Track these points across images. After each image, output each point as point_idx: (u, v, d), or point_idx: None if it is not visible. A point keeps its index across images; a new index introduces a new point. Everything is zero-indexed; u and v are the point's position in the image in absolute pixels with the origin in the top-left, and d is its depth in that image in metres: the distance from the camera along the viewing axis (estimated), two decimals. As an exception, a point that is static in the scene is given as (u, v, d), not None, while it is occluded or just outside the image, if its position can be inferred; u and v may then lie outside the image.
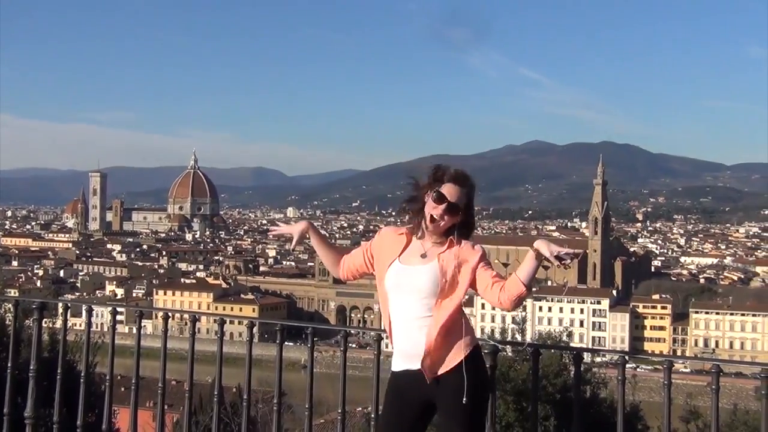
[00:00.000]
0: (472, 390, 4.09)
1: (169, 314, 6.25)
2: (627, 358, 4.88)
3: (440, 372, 4.12)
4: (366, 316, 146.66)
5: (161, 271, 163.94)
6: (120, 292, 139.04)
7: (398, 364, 4.24)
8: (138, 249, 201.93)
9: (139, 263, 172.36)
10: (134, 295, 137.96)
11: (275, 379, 5.51)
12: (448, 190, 4.17)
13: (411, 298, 4.14)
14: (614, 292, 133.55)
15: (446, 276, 4.11)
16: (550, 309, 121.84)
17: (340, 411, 5.61)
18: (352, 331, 5.88)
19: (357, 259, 4.48)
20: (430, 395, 4.17)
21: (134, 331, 6.39)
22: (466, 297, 4.27)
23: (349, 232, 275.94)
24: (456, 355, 4.12)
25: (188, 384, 6.13)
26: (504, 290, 4.06)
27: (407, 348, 4.18)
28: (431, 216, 4.15)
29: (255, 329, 5.78)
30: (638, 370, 69.26)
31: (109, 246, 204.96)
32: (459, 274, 4.13)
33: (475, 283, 4.13)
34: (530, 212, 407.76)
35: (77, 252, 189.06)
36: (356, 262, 4.49)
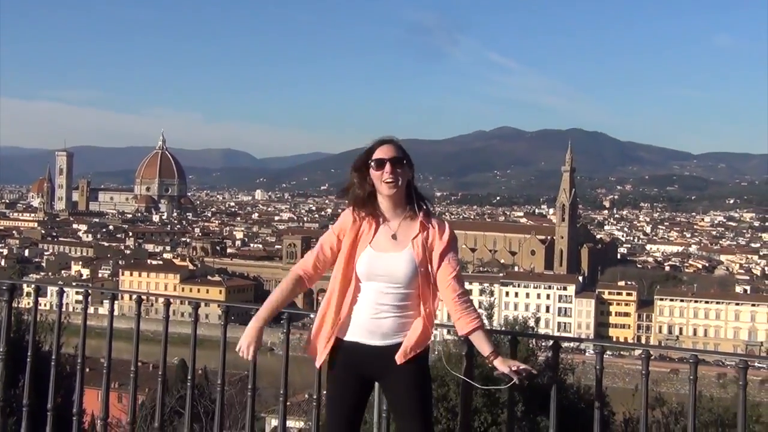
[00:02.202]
0: (423, 378, 4.18)
1: (142, 297, 6.18)
2: (603, 347, 4.87)
3: (406, 358, 4.10)
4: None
5: (127, 252, 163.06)
6: (86, 272, 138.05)
7: (354, 335, 4.18)
8: (104, 229, 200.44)
9: (105, 244, 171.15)
10: (100, 275, 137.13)
11: (250, 366, 5.40)
12: (382, 152, 4.12)
13: (385, 287, 4.11)
14: (580, 278, 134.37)
15: (422, 264, 4.09)
16: (516, 294, 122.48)
17: (282, 392, 5.67)
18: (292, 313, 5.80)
19: (313, 259, 4.32)
20: (379, 375, 4.22)
21: (99, 312, 6.33)
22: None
23: (317, 215, 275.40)
24: (422, 342, 4.13)
25: (161, 368, 6.07)
26: (456, 310, 4.14)
27: (371, 329, 4.14)
28: (387, 182, 4.09)
29: (222, 312, 5.74)
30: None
31: (75, 226, 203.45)
32: (431, 260, 4.13)
33: (436, 271, 4.14)
34: (498, 198, 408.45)
35: (42, 232, 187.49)
36: (314, 262, 4.32)
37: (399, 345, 4.11)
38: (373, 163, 4.11)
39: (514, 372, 4.02)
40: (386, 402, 4.42)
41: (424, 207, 4.20)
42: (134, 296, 6.19)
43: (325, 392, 4.47)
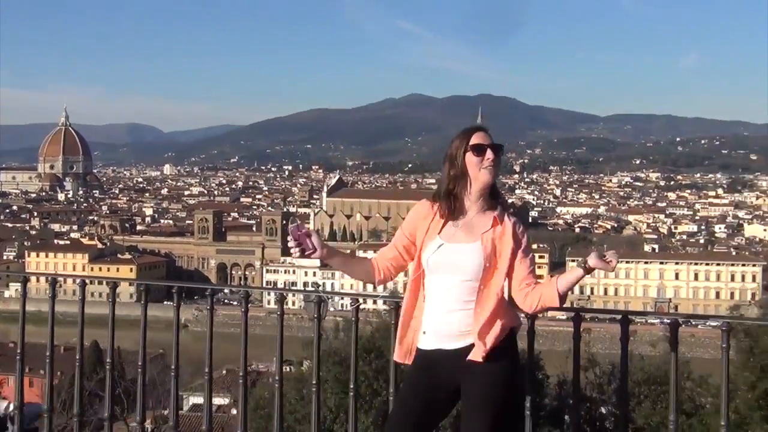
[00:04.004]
0: (502, 377, 3.98)
1: (57, 279, 5.84)
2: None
3: (481, 356, 3.93)
4: (247, 272, 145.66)
5: (33, 232, 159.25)
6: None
7: (430, 343, 4.03)
8: (7, 210, 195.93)
9: (9, 225, 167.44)
10: (5, 257, 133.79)
11: (173, 344, 5.46)
12: (480, 137, 4.00)
13: (453, 279, 3.94)
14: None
15: (490, 258, 3.94)
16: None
17: (207, 370, 5.56)
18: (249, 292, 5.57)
19: (389, 253, 4.14)
20: (460, 379, 4.00)
21: (5, 295, 5.91)
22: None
23: (228, 189, 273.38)
24: (496, 341, 3.95)
25: (79, 350, 5.86)
26: (533, 296, 3.96)
27: (442, 328, 3.99)
28: (487, 168, 3.96)
29: (133, 289, 5.43)
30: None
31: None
32: (500, 257, 3.96)
33: (511, 271, 3.98)
34: (410, 165, 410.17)
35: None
36: (388, 257, 4.14)
37: (472, 346, 3.96)
38: (471, 149, 3.97)
39: (611, 263, 3.85)
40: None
41: (501, 203, 4.07)
42: (48, 278, 5.95)
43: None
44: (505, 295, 3.98)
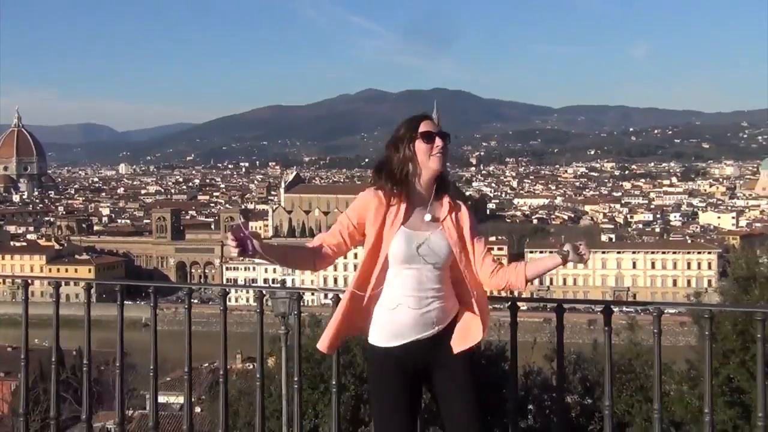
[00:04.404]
0: (471, 361, 4.07)
1: (2, 280, 5.73)
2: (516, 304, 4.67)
3: (462, 344, 4.02)
4: (207, 271, 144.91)
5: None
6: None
7: (402, 335, 3.98)
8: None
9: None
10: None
11: (117, 341, 5.46)
12: (429, 125, 4.02)
13: (425, 268, 3.93)
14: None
15: (456, 244, 3.97)
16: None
17: (186, 370, 5.77)
18: (194, 288, 5.58)
19: (331, 239, 4.08)
20: (431, 366, 4.02)
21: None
22: None
23: (185, 187, 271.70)
24: (475, 327, 4.03)
25: (23, 351, 5.82)
26: (500, 276, 4.01)
27: (416, 318, 3.95)
28: (437, 155, 3.97)
29: (92, 290, 5.42)
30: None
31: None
32: (462, 241, 4.01)
33: (471, 252, 4.05)
34: (367, 160, 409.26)
35: None
36: (330, 242, 4.08)
37: (445, 333, 3.99)
38: (421, 136, 3.97)
39: (582, 255, 4.06)
40: (436, 397, 4.10)
41: (451, 187, 4.11)
42: (17, 281, 5.80)
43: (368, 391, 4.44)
44: (470, 279, 4.01)
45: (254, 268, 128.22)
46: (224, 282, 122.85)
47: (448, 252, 3.93)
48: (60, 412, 5.70)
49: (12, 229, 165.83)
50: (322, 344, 4.10)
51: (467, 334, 4.00)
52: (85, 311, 5.48)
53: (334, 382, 5.04)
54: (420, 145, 3.96)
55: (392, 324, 3.95)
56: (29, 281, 5.68)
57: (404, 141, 4.00)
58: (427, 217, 3.98)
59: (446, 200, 4.02)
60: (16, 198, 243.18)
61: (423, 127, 3.98)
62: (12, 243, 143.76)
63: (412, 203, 3.98)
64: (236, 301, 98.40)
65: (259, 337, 5.30)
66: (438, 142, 3.95)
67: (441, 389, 4.03)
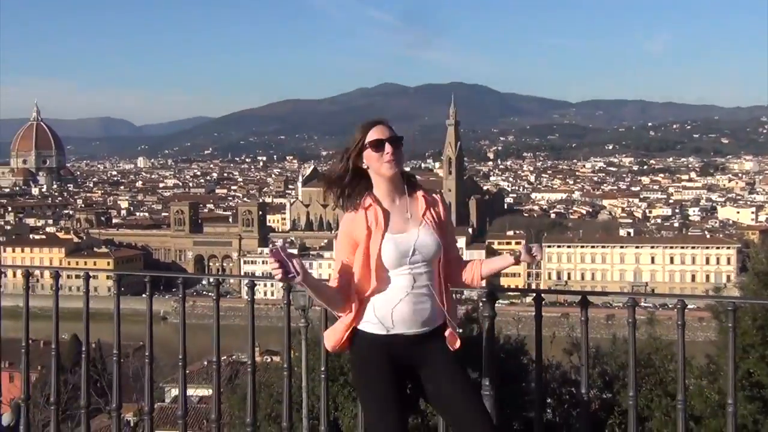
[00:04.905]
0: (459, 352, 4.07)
1: (30, 272, 5.83)
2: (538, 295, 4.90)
3: (457, 344, 4.04)
4: (225, 264, 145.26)
5: (8, 227, 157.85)
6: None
7: (388, 327, 3.96)
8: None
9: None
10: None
11: (146, 332, 5.48)
12: (378, 132, 3.96)
13: (417, 267, 3.93)
14: (470, 230, 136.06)
15: (441, 237, 3.97)
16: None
17: (215, 359, 5.67)
18: (220, 280, 5.63)
19: (348, 274, 4.01)
20: (417, 362, 4.00)
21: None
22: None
23: (203, 180, 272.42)
24: (455, 315, 4.09)
25: (54, 338, 5.86)
26: (467, 273, 4.11)
27: (407, 314, 3.93)
28: (388, 162, 3.93)
29: (110, 283, 5.50)
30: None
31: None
32: (443, 227, 4.03)
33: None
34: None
35: None
36: (350, 279, 4.00)
37: (437, 329, 4.00)
38: (369, 146, 3.93)
39: (534, 256, 4.07)
40: (428, 393, 4.08)
41: (415, 182, 4.08)
42: (20, 271, 5.98)
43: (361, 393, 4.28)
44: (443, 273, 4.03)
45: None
46: (242, 275, 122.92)
47: (436, 247, 3.93)
48: (89, 402, 5.75)
49: (31, 222, 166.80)
50: (329, 343, 4.11)
51: (452, 334, 4.05)
52: (115, 302, 5.55)
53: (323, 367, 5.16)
54: (370, 154, 3.93)
55: (383, 317, 3.94)
56: (59, 273, 5.73)
57: (352, 152, 3.98)
58: (407, 215, 3.97)
59: (420, 195, 4.01)
60: (35, 191, 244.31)
61: (372, 134, 3.94)
62: (31, 236, 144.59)
63: (387, 207, 3.97)
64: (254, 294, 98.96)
65: (286, 328, 5.36)
66: (387, 148, 3.92)
67: (432, 384, 4.02)
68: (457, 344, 3.97)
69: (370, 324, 3.97)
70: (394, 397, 3.95)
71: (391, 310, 3.93)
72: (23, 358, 5.81)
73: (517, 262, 4.07)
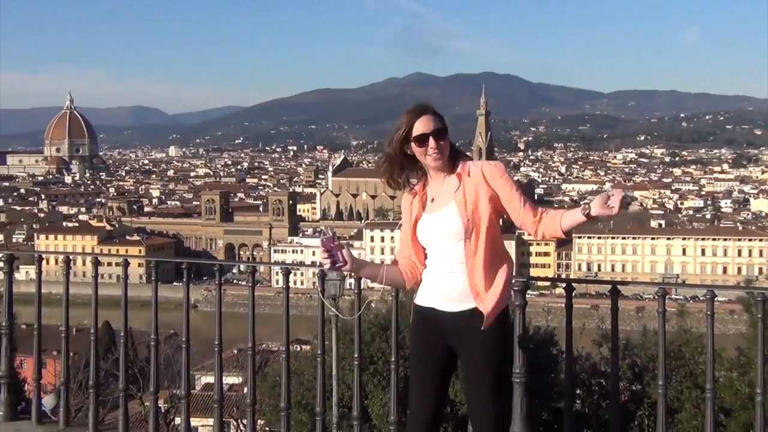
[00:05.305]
0: (496, 337, 3.98)
1: (70, 258, 5.96)
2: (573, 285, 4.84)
3: (486, 325, 3.95)
4: (255, 253, 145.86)
5: (41, 215, 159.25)
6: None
7: (425, 300, 4.08)
8: (15, 193, 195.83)
9: (18, 208, 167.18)
10: (14, 240, 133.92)
11: (183, 318, 5.46)
12: (422, 126, 3.96)
13: (444, 245, 3.98)
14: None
15: (471, 215, 3.93)
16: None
17: (250, 345, 5.58)
18: (242, 266, 5.69)
19: (405, 251, 4.16)
20: (455, 342, 4.04)
21: (18, 278, 6.01)
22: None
23: (233, 170, 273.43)
24: (497, 304, 3.97)
25: (93, 327, 5.95)
26: (539, 222, 3.95)
27: (439, 290, 4.02)
28: (432, 156, 3.94)
29: (143, 270, 5.55)
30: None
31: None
32: (479, 203, 3.95)
33: (499, 202, 3.96)
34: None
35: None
36: (406, 254, 4.15)
37: (472, 310, 3.97)
38: (413, 140, 3.95)
39: (614, 208, 3.79)
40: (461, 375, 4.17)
41: (462, 158, 4.05)
42: (60, 257, 6.01)
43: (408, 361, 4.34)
44: (497, 249, 4.00)
45: (302, 251, 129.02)
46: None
47: (458, 226, 3.93)
48: (127, 385, 5.87)
49: (64, 209, 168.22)
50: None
51: (486, 309, 3.97)
52: (153, 288, 5.62)
53: (393, 358, 5.12)
54: (415, 148, 3.96)
55: (424, 294, 4.06)
56: (98, 259, 5.83)
57: (400, 143, 4.00)
58: (444, 195, 4.00)
59: (457, 173, 3.99)
60: (68, 179, 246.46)
61: (416, 128, 3.96)
62: (65, 223, 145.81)
63: (431, 188, 4.05)
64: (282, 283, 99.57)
65: (319, 315, 5.29)
66: (432, 143, 3.93)
67: (463, 369, 4.08)
68: (486, 324, 3.91)
69: (419, 298, 4.09)
70: (431, 371, 4.08)
71: (429, 287, 4.04)
72: (63, 343, 5.90)
73: (590, 218, 3.89)
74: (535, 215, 3.95)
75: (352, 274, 4.20)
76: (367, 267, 4.17)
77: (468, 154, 4.13)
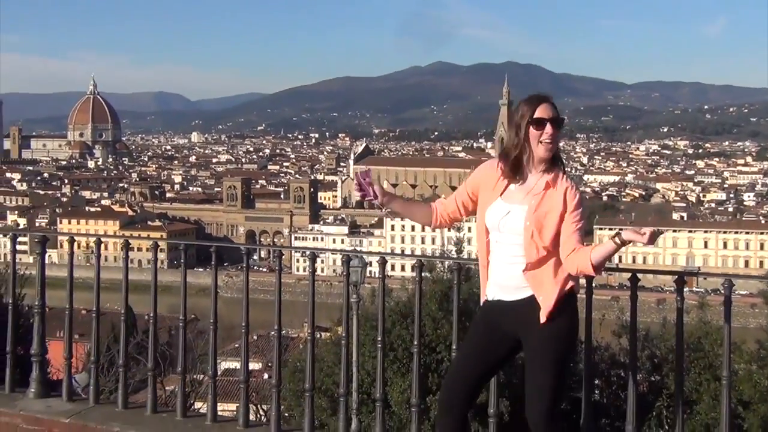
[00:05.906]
0: (562, 335, 4.07)
1: (101, 240, 6.17)
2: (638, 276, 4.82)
3: (544, 317, 4.04)
4: (276, 240, 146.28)
5: (64, 199, 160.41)
6: (22, 222, 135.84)
7: (492, 293, 4.19)
8: (39, 177, 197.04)
9: (41, 192, 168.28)
10: (37, 224, 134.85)
11: (212, 301, 5.63)
12: (543, 111, 4.03)
13: (509, 237, 4.08)
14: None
15: (537, 220, 4.02)
16: (466, 229, 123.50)
17: (276, 328, 5.66)
18: (263, 253, 5.80)
19: (449, 206, 4.34)
20: (520, 332, 4.13)
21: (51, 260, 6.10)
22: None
23: (255, 156, 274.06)
24: (555, 301, 4.04)
25: (123, 308, 6.05)
26: (571, 260, 4.02)
27: (502, 281, 4.14)
28: (545, 143, 4.01)
29: (164, 256, 5.64)
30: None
31: (8, 175, 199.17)
32: (547, 219, 4.03)
33: (559, 233, 4.05)
34: (436, 133, 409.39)
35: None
36: (449, 209, 4.34)
37: (530, 299, 4.06)
38: (533, 122, 4.01)
39: (645, 235, 3.87)
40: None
41: (561, 168, 4.12)
42: (93, 239, 6.14)
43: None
44: (560, 255, 4.04)
45: (322, 239, 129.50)
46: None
47: (522, 225, 4.01)
48: (156, 365, 5.96)
49: (87, 194, 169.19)
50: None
51: (543, 308, 4.06)
52: (182, 272, 5.76)
53: (416, 342, 5.22)
54: (532, 131, 4.01)
55: (490, 283, 4.17)
56: (129, 242, 5.93)
57: (520, 125, 4.05)
58: (513, 191, 4.08)
59: (547, 178, 4.04)
60: (91, 164, 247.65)
61: (538, 112, 4.00)
62: (87, 208, 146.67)
63: (517, 178, 4.10)
64: (304, 270, 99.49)
65: (345, 300, 5.46)
66: (548, 128, 3.99)
67: (526, 360, 4.15)
68: (543, 318, 4.00)
69: (486, 292, 4.21)
70: (474, 357, 4.21)
71: (492, 281, 4.16)
72: (93, 323, 6.02)
73: (621, 245, 3.97)
74: (572, 248, 4.02)
75: (383, 207, 4.38)
76: (397, 201, 4.37)
77: (564, 161, 4.20)
